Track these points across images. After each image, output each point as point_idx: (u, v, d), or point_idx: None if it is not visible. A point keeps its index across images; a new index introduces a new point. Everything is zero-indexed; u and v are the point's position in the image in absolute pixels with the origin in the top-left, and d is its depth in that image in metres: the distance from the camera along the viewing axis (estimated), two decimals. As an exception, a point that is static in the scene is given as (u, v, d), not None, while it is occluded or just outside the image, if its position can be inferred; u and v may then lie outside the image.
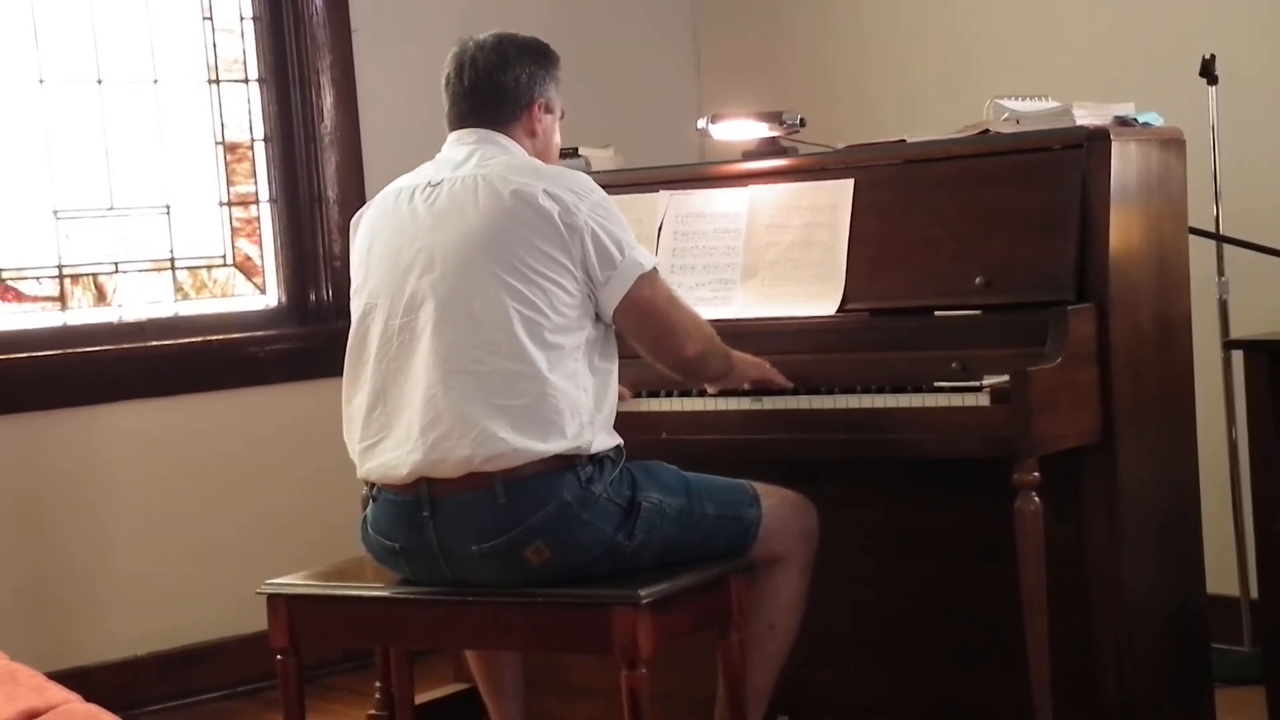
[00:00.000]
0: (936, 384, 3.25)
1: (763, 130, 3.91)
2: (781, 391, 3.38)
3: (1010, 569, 3.18)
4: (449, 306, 3.03)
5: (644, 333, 3.15)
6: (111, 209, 4.67)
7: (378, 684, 3.79)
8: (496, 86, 3.19)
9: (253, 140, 4.93)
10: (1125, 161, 3.37)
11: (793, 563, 3.28)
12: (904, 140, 3.71)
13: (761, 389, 3.40)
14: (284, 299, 4.96)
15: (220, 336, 4.77)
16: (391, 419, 3.08)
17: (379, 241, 3.17)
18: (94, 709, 2.43)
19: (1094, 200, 3.32)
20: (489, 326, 3.00)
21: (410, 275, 3.08)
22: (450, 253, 3.05)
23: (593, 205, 3.06)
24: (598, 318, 3.09)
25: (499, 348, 2.99)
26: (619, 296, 3.06)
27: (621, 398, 3.29)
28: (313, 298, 4.95)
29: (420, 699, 3.86)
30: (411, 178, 3.21)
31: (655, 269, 3.13)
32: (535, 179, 3.06)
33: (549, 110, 3.25)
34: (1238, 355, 3.80)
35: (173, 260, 4.78)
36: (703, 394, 3.45)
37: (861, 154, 3.70)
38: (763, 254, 3.68)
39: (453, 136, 3.22)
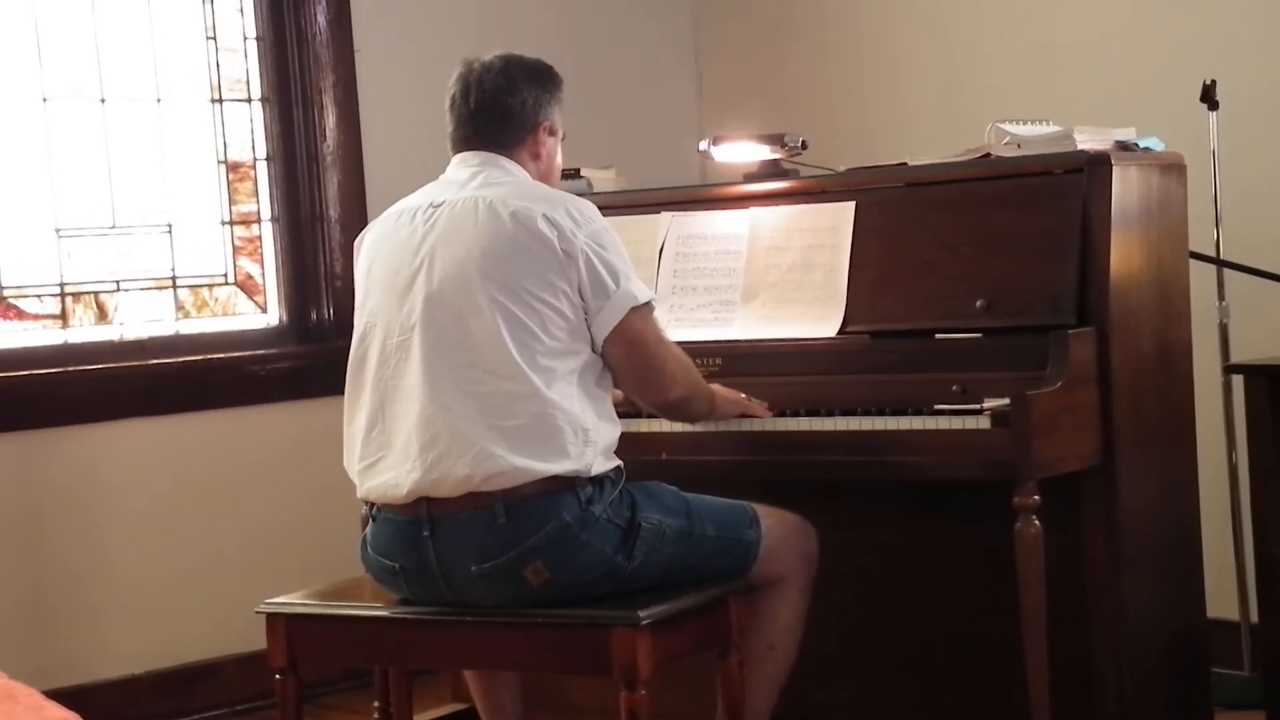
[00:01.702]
0: (937, 406, 3.26)
1: (764, 152, 3.92)
2: (781, 411, 3.38)
3: (1009, 591, 3.18)
4: (445, 327, 3.03)
5: (630, 368, 3.14)
6: (113, 227, 4.68)
7: (376, 703, 3.78)
8: (503, 109, 3.19)
9: (255, 159, 4.93)
10: (1126, 186, 3.38)
11: (792, 584, 3.28)
12: (905, 163, 3.72)
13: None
14: (285, 318, 4.96)
15: (221, 355, 4.77)
16: (389, 438, 3.08)
17: (379, 261, 3.18)
18: (92, 727, 2.43)
19: (1095, 224, 3.33)
20: (484, 347, 3.00)
21: (408, 295, 3.08)
22: (448, 273, 3.05)
23: (591, 233, 3.06)
24: (593, 344, 3.08)
25: (496, 369, 2.99)
26: (610, 327, 3.06)
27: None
28: (314, 317, 4.96)
29: (419, 718, 3.86)
30: (414, 199, 3.21)
31: (650, 304, 3.12)
32: (536, 203, 3.06)
33: (552, 133, 3.26)
34: (1238, 379, 3.80)
35: (174, 279, 4.79)
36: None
37: (863, 176, 3.71)
38: (764, 276, 3.69)
39: (457, 158, 3.23)
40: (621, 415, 3.22)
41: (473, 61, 3.24)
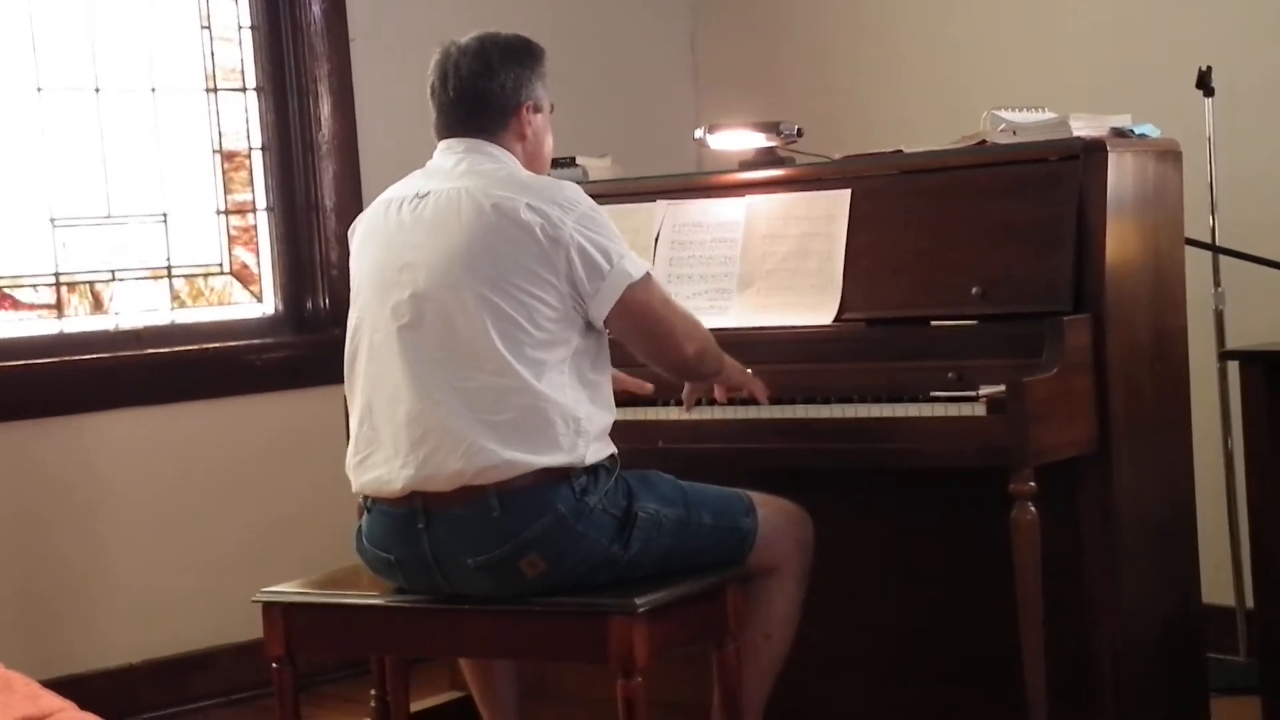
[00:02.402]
0: (933, 394, 3.26)
1: (760, 140, 3.91)
2: (777, 399, 3.38)
3: (1005, 580, 3.18)
4: (432, 322, 3.02)
5: (641, 336, 3.14)
6: (109, 217, 4.68)
7: (373, 692, 3.79)
8: (482, 94, 3.15)
9: (250, 149, 4.93)
10: (1122, 173, 3.38)
11: (788, 572, 3.28)
12: (901, 151, 3.71)
13: (736, 400, 3.40)
14: (280, 307, 4.96)
15: (217, 345, 4.77)
16: (379, 433, 3.07)
17: (368, 253, 3.16)
18: (89, 717, 2.43)
19: (1090, 211, 3.33)
20: (472, 343, 2.98)
21: (394, 290, 3.06)
22: (433, 268, 3.03)
23: (578, 217, 3.03)
24: (588, 328, 3.06)
25: (484, 364, 2.97)
26: (609, 306, 3.04)
27: (643, 393, 3.35)
28: (309, 306, 4.95)
29: (416, 707, 3.86)
30: (400, 187, 3.19)
31: (647, 274, 3.10)
32: (519, 192, 3.03)
33: (537, 110, 3.20)
34: (1233, 366, 3.80)
35: (169, 268, 4.79)
36: (698, 403, 3.44)
37: (858, 164, 3.71)
38: (760, 264, 3.68)
39: (442, 145, 3.20)
40: (621, 404, 3.21)
41: (449, 46, 3.19)
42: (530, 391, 2.97)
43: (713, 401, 3.42)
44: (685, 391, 3.42)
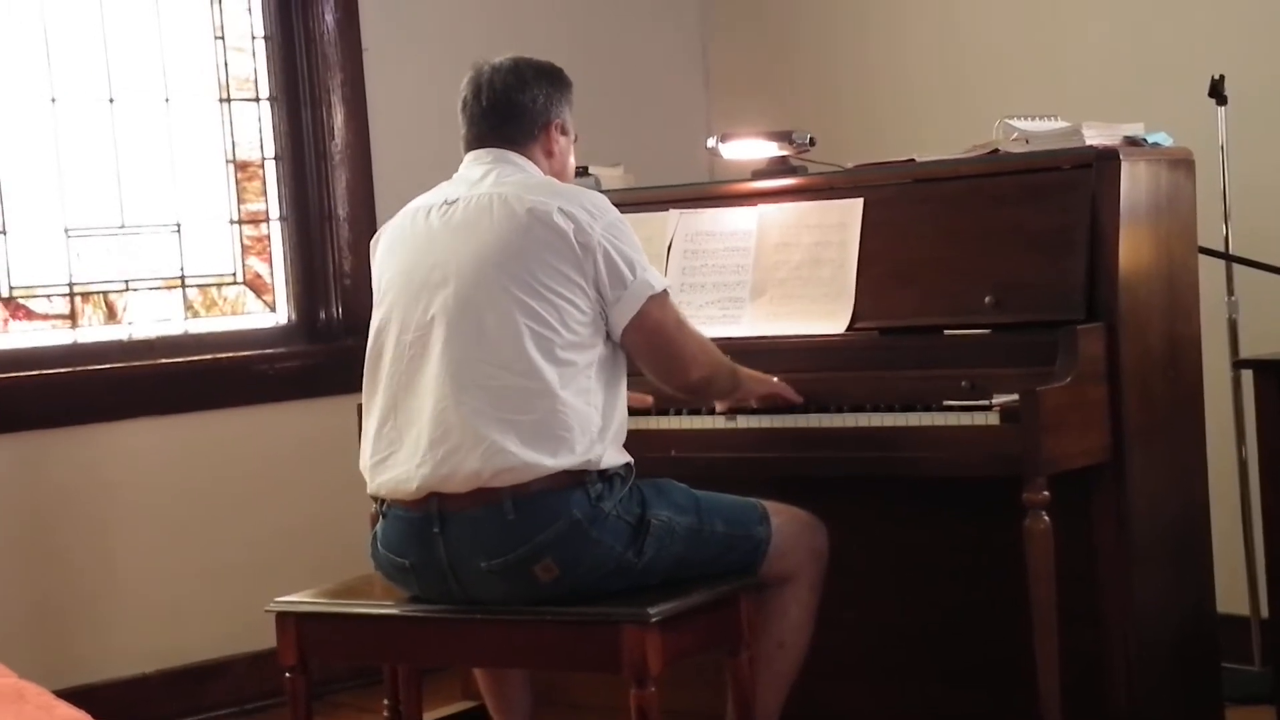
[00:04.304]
0: (946, 403, 3.26)
1: (772, 149, 3.92)
2: (791, 408, 3.39)
3: (1019, 587, 3.18)
4: (461, 322, 3.04)
5: (651, 354, 3.16)
6: (122, 227, 4.68)
7: (386, 701, 3.80)
8: (515, 106, 3.21)
9: (263, 158, 4.94)
10: (1135, 181, 3.38)
11: (802, 581, 3.28)
12: (913, 159, 3.71)
13: (771, 406, 3.40)
14: (294, 317, 4.97)
15: (230, 354, 4.78)
16: (401, 434, 3.09)
17: (395, 258, 3.19)
18: (103, 726, 2.43)
19: (1103, 220, 3.33)
20: (500, 343, 3.01)
21: (424, 291, 3.09)
22: (464, 269, 3.06)
23: (607, 225, 3.07)
24: (609, 336, 3.10)
25: (511, 364, 3.00)
26: (628, 316, 3.07)
27: (644, 406, 3.35)
28: (322, 316, 4.96)
29: (429, 716, 3.86)
30: (429, 196, 3.23)
31: (666, 291, 3.14)
32: (551, 197, 3.07)
33: (565, 132, 3.28)
34: (1247, 375, 3.80)
35: (183, 278, 4.79)
36: (712, 412, 3.45)
37: (871, 173, 3.71)
38: (772, 272, 3.69)
39: (470, 156, 3.24)
40: (633, 414, 3.22)
41: (483, 64, 3.26)
42: (552, 395, 2.99)
43: (750, 410, 3.42)
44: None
